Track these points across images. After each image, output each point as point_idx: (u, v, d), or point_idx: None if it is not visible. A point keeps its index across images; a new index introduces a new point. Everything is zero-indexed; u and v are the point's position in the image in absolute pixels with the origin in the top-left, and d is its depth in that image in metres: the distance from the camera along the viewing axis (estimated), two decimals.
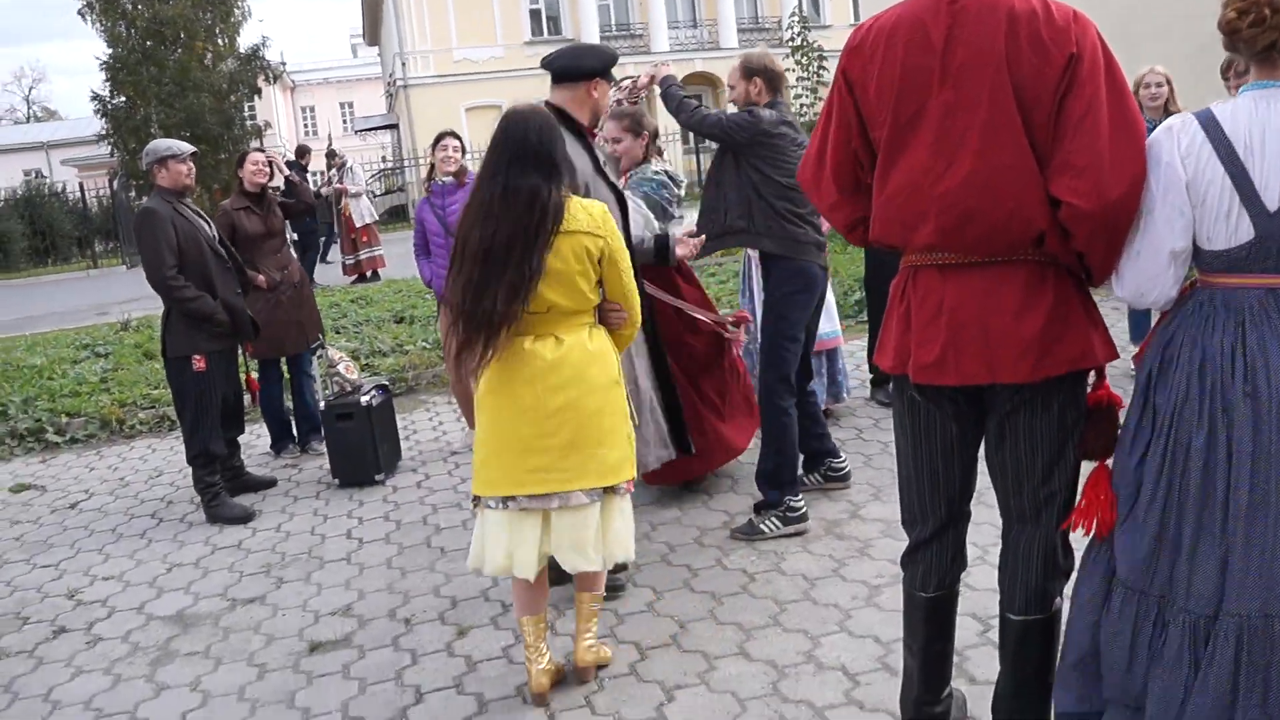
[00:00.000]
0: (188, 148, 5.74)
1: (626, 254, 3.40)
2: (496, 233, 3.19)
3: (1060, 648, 2.62)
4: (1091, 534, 2.53)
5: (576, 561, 3.35)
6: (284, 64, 42.65)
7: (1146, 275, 2.38)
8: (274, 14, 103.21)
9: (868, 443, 5.88)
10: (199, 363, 5.57)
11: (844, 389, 6.45)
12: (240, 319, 5.73)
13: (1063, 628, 2.67)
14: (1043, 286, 2.46)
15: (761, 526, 4.68)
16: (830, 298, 6.30)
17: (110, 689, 3.91)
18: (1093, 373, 2.62)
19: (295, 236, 14.72)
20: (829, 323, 6.24)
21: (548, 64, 4.10)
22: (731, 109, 5.34)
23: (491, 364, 3.27)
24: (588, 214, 3.29)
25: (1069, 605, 2.61)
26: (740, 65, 5.02)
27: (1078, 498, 2.62)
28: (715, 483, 5.46)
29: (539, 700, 3.47)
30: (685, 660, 3.67)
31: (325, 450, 6.28)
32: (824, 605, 3.98)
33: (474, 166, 9.24)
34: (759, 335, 6.20)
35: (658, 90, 4.88)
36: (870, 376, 6.82)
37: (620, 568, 4.18)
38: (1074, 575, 2.66)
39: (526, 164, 3.23)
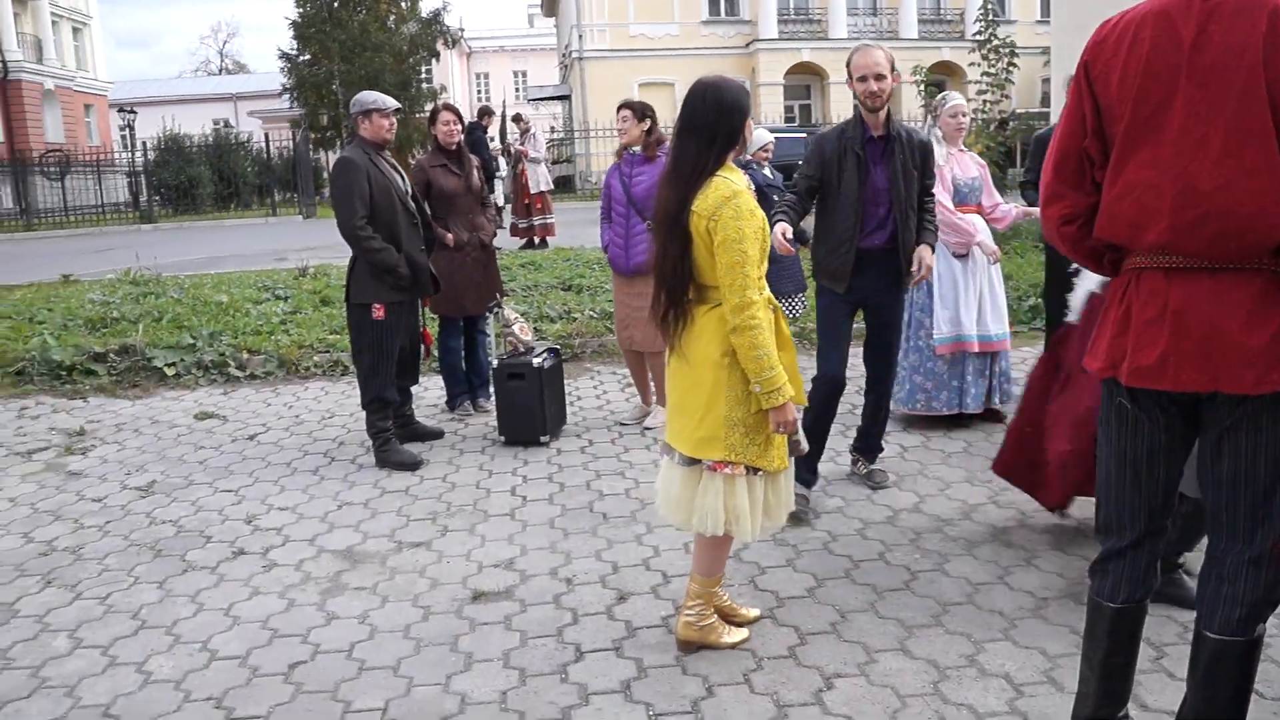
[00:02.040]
0: (393, 103, 5.88)
1: (737, 243, 3.26)
2: (667, 202, 3.38)
3: None
4: None
5: (660, 510, 3.65)
6: (462, 30, 43.58)
7: None
8: None
9: None
10: (378, 311, 5.73)
11: (1007, 394, 6.28)
12: (421, 274, 5.86)
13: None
14: (1276, 297, 2.38)
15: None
16: (1001, 300, 6.22)
17: (284, 612, 4.08)
18: None
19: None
20: (999, 325, 6.14)
21: None
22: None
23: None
24: (707, 194, 3.31)
25: None
26: (887, 59, 4.77)
27: None
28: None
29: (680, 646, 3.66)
30: (845, 650, 3.63)
31: (492, 408, 6.41)
32: (988, 611, 3.89)
33: None
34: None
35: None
36: None
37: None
38: None
39: (689, 135, 3.37)
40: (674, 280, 3.40)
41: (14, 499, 5.55)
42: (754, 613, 3.87)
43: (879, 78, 4.70)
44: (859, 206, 4.80)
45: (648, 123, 6.22)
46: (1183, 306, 2.44)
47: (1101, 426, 2.76)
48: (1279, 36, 2.27)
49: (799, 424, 3.57)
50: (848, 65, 4.86)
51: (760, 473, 3.48)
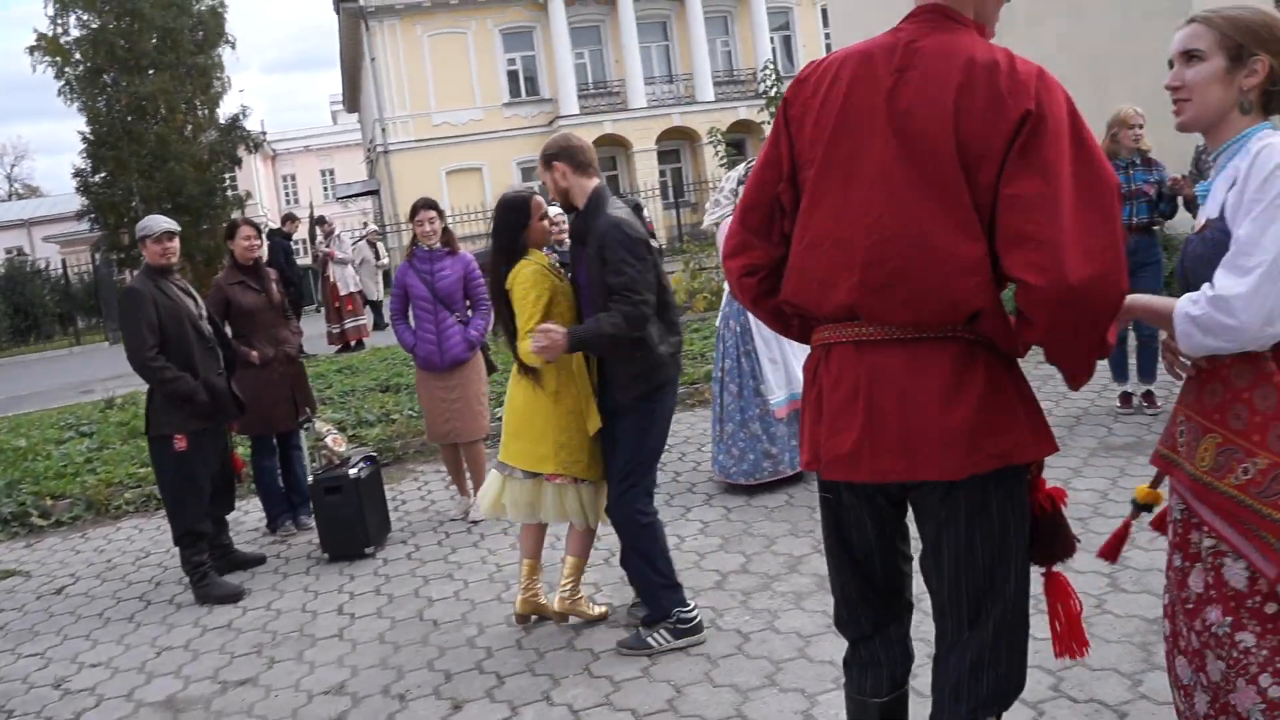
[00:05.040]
0: (162, 226, 5.69)
1: (521, 297, 4.35)
2: (491, 279, 4.56)
3: None
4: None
5: (511, 514, 4.60)
6: (264, 133, 42.91)
7: None
8: (255, 83, 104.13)
9: None
10: (180, 442, 5.53)
11: None
12: (221, 399, 5.68)
13: None
14: (973, 369, 2.19)
15: (649, 640, 4.27)
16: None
17: None
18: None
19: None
20: None
21: None
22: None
23: None
24: (515, 269, 4.42)
25: None
26: (540, 157, 4.41)
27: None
28: (704, 543, 5.42)
29: (518, 620, 4.68)
30: None
31: (314, 524, 6.22)
32: (820, 663, 3.95)
33: (457, 230, 8.93)
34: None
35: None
36: None
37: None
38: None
39: (493, 235, 4.57)
40: (508, 329, 4.46)
41: None
42: (599, 609, 4.67)
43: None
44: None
45: (445, 218, 6.34)
46: (875, 386, 2.23)
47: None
48: (974, 83, 2.11)
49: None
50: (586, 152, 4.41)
51: (586, 481, 4.48)
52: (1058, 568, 2.46)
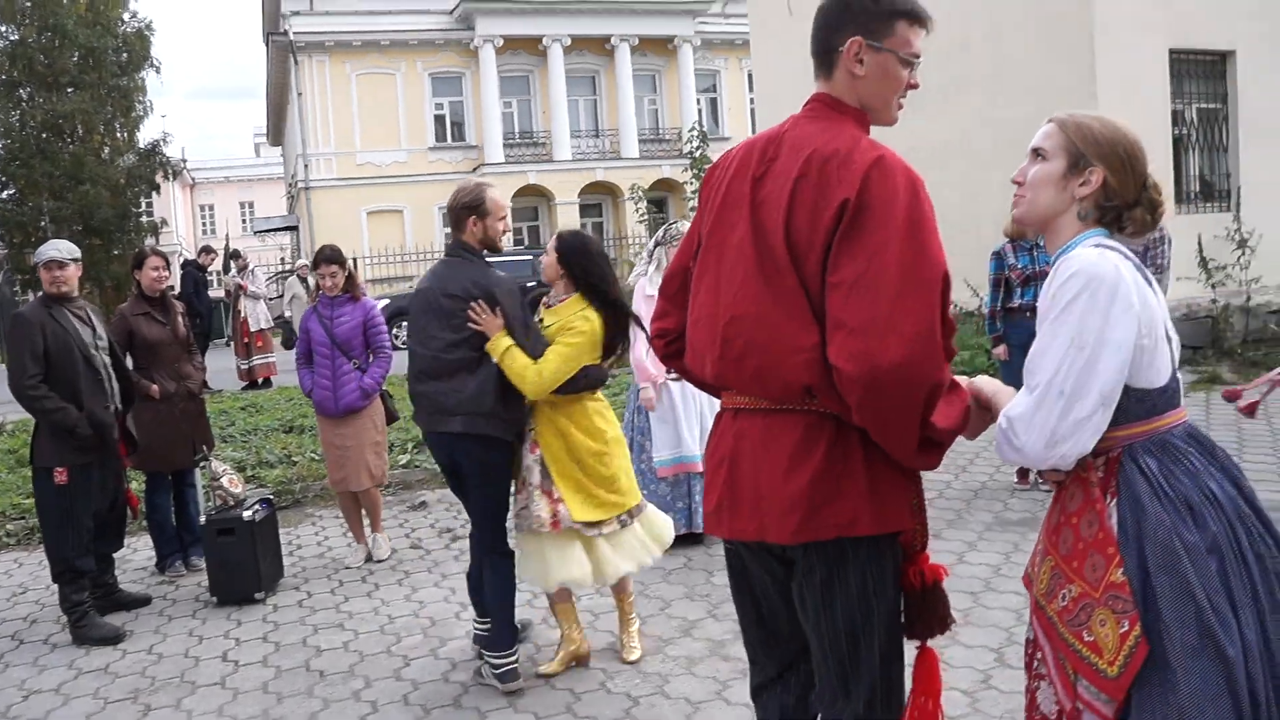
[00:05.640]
0: (46, 255, 5.54)
1: None
2: None
3: None
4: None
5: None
6: (184, 160, 42.23)
7: (1072, 419, 2.08)
8: (178, 109, 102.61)
9: None
10: (60, 475, 5.36)
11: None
12: (106, 433, 5.49)
13: None
14: (818, 440, 2.26)
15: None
16: (705, 420, 6.04)
17: None
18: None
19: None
20: (699, 446, 6.01)
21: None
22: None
23: None
24: None
25: None
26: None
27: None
28: (599, 603, 5.36)
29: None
30: None
31: (205, 566, 6.06)
32: None
33: (374, 272, 9.14)
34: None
35: None
36: None
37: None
38: None
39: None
40: None
41: None
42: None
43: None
44: None
45: (348, 268, 6.40)
46: (737, 449, 2.38)
47: None
48: (809, 173, 2.22)
49: None
50: (486, 204, 4.47)
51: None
52: (935, 644, 2.48)
